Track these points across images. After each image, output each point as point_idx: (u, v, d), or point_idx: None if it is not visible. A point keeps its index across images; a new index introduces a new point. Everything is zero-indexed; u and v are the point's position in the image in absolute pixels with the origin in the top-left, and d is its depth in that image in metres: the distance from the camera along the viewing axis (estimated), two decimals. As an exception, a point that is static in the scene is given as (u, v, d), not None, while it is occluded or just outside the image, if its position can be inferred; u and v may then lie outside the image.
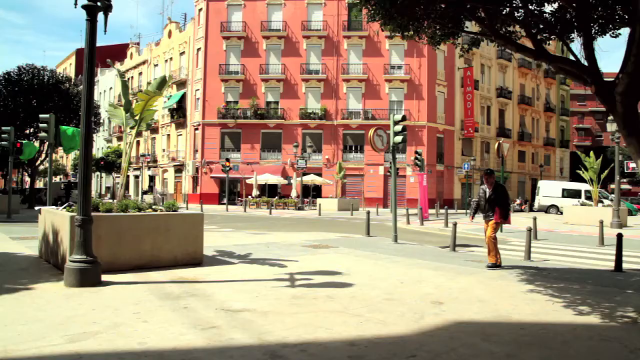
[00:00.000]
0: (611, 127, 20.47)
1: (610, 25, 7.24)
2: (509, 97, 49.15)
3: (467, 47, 8.54)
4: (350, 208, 29.91)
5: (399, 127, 13.62)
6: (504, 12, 7.50)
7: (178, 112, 45.98)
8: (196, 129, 43.20)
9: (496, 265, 9.02)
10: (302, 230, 16.93)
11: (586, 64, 6.57)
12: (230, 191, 38.84)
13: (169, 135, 48.48)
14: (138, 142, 51.25)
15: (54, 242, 7.97)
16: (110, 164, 45.87)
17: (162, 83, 9.85)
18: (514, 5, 7.50)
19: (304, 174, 35.63)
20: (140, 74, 53.00)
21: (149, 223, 8.05)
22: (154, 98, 9.33)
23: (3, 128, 19.86)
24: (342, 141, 40.67)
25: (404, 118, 13.93)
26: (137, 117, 9.57)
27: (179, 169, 46.10)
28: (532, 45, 7.24)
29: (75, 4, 6.69)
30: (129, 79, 52.73)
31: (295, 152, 36.88)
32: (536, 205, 37.31)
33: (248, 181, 37.10)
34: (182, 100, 45.44)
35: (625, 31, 6.99)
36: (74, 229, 6.67)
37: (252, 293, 6.33)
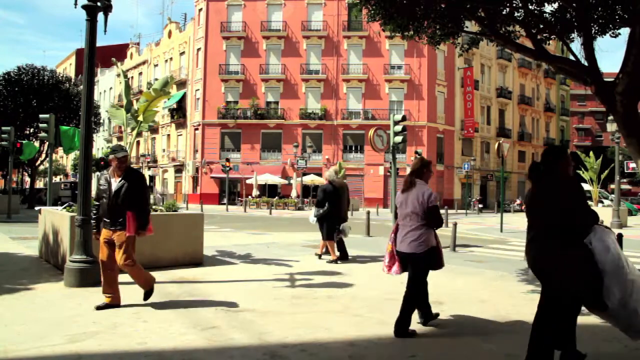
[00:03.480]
0: (611, 127, 20.44)
1: (610, 25, 7.25)
2: (509, 97, 49.12)
3: (466, 47, 8.55)
4: (350, 208, 29.86)
5: (399, 127, 13.64)
6: (504, 12, 7.50)
7: (178, 112, 45.98)
8: (196, 129, 43.19)
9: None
10: (302, 230, 16.92)
11: (586, 64, 6.57)
12: (230, 191, 38.82)
13: (169, 135, 48.48)
14: (138, 142, 51.19)
15: (54, 242, 7.96)
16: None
17: (165, 84, 9.80)
18: (514, 5, 7.49)
19: (304, 174, 35.62)
20: (141, 74, 53.00)
21: (148, 223, 8.03)
22: (158, 99, 9.29)
23: (3, 128, 19.83)
24: (342, 141, 40.65)
25: (404, 118, 13.95)
26: (139, 118, 9.53)
27: (179, 169, 46.09)
28: (532, 45, 7.24)
29: (75, 4, 6.70)
30: (129, 79, 52.64)
31: (295, 152, 36.87)
32: (536, 205, 37.28)
33: (248, 181, 37.09)
34: (182, 100, 45.43)
35: (625, 31, 7.00)
36: (74, 229, 6.68)
37: (252, 293, 6.34)
